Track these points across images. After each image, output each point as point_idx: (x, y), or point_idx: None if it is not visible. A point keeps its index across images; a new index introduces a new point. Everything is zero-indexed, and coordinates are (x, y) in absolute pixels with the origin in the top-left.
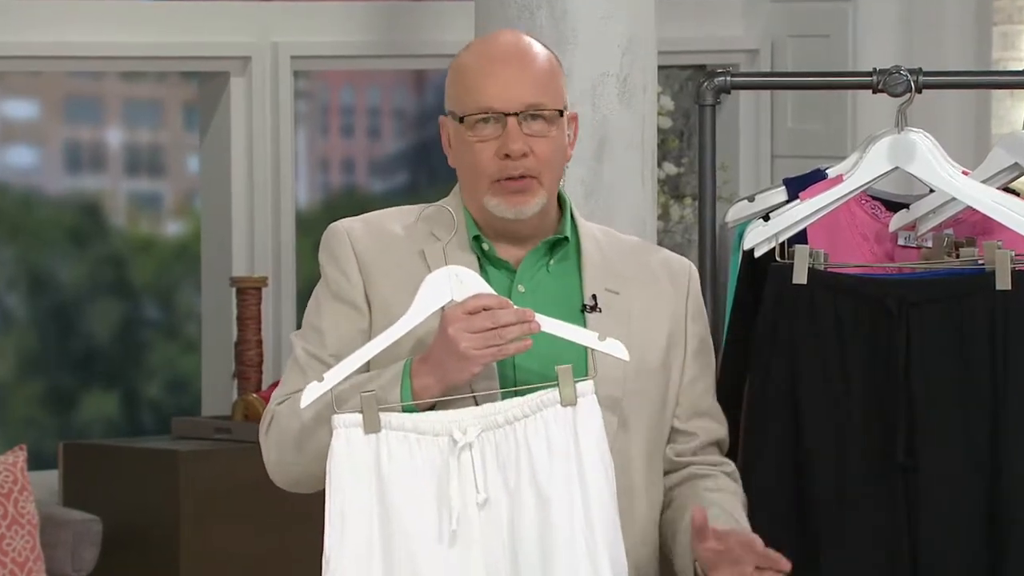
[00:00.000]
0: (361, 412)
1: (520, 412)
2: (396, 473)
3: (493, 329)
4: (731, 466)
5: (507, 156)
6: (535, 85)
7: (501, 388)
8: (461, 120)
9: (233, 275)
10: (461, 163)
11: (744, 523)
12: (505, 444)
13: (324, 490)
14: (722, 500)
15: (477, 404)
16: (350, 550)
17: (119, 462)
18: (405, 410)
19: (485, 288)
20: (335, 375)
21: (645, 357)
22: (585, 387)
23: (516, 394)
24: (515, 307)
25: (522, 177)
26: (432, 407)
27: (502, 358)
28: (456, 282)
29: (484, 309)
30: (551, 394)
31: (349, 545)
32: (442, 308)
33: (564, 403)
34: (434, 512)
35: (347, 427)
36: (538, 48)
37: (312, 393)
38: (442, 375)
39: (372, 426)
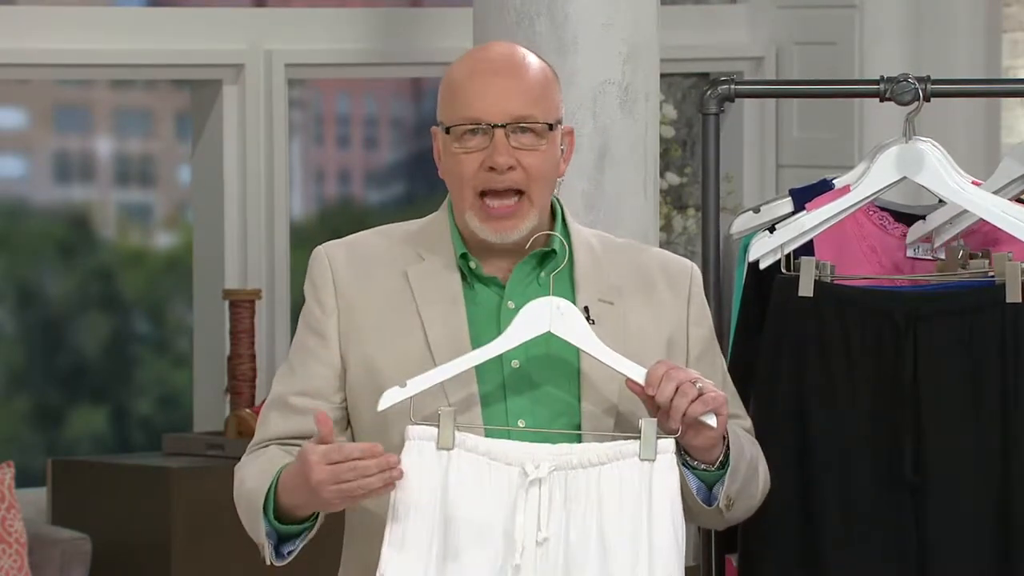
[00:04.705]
0: (437, 426)
1: (596, 458)
2: (463, 495)
3: (354, 482)
4: (748, 423)
5: (492, 169)
6: (525, 97)
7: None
8: (448, 131)
9: (226, 287)
10: (448, 175)
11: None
12: (575, 487)
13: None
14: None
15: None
16: (407, 565)
17: (109, 479)
18: (274, 526)
19: (581, 324)
20: (418, 384)
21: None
22: (666, 444)
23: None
24: (381, 453)
25: (508, 192)
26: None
27: (366, 499)
28: (557, 314)
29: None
30: (631, 445)
31: (407, 559)
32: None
33: (643, 457)
34: (493, 542)
35: (420, 439)
36: (531, 59)
37: (390, 398)
38: (312, 505)
39: (446, 442)
